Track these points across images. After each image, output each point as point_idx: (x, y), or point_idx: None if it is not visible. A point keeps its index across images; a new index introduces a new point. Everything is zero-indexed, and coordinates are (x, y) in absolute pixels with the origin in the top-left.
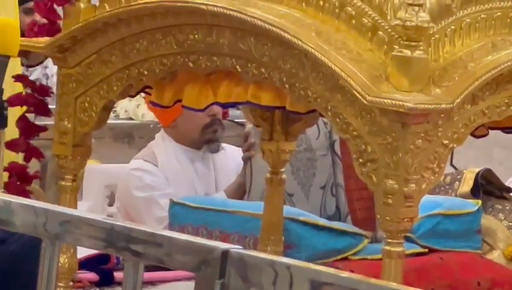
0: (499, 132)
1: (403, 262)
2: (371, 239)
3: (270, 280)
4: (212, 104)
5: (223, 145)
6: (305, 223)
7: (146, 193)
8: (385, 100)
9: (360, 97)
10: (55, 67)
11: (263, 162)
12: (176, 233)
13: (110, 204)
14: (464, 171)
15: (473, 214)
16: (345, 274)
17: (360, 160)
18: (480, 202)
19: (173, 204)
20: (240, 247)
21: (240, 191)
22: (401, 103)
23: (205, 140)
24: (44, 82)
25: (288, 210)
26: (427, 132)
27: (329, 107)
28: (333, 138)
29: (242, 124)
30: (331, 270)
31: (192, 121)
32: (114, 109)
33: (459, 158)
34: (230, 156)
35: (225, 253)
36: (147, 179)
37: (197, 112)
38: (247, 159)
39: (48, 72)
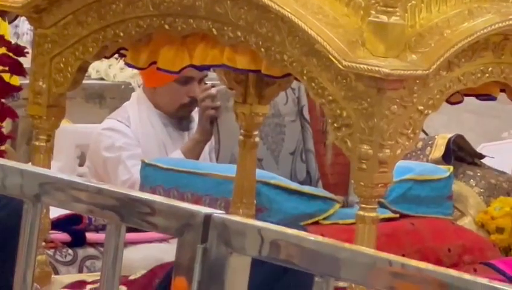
0: (470, 97)
1: (376, 227)
2: (342, 204)
3: (253, 245)
4: (188, 66)
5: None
6: (276, 187)
7: (114, 154)
8: (361, 65)
9: (336, 62)
10: (26, 27)
11: (230, 125)
12: (158, 197)
13: (81, 164)
14: (436, 136)
15: (444, 180)
16: (337, 244)
17: (335, 125)
18: (451, 168)
19: (145, 165)
20: (223, 212)
21: (197, 148)
22: (377, 68)
23: (178, 116)
24: (14, 41)
25: (260, 173)
26: (403, 97)
27: (304, 72)
28: (302, 104)
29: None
30: (320, 238)
31: (172, 96)
32: None
33: (430, 124)
34: None
35: (208, 217)
36: (117, 139)
37: (179, 91)
38: (211, 119)
39: (19, 31)
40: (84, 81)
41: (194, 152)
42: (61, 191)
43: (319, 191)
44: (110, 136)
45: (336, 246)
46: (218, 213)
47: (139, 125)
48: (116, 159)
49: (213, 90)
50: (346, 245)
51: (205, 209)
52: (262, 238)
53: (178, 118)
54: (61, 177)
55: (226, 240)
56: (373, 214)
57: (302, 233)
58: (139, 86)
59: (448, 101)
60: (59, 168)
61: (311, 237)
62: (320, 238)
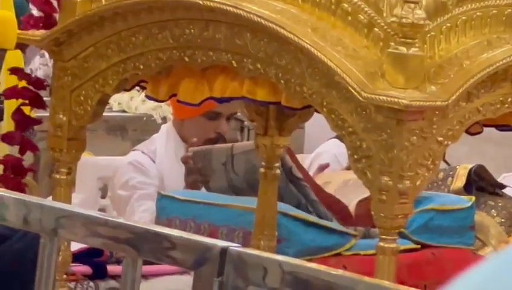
0: (491, 128)
1: (396, 258)
2: (362, 235)
3: (270, 278)
4: (208, 98)
5: None
6: (295, 218)
7: (126, 193)
8: (380, 97)
9: (355, 94)
10: (37, 62)
11: (219, 184)
12: (175, 230)
13: (103, 196)
14: (457, 167)
15: (466, 210)
16: (346, 274)
17: (355, 156)
18: (473, 198)
19: (161, 197)
20: (239, 245)
21: None
22: (396, 99)
23: None
24: (44, 69)
25: (279, 205)
26: (422, 128)
27: (324, 103)
28: (288, 166)
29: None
30: (333, 270)
31: (198, 130)
32: None
33: (452, 154)
34: None
35: (224, 251)
36: (133, 178)
37: (207, 125)
38: (198, 183)
39: (31, 67)
40: (105, 113)
41: None
42: (78, 226)
43: (337, 225)
44: (126, 172)
45: (355, 279)
46: (234, 246)
47: (164, 158)
48: (127, 197)
49: (189, 152)
50: (365, 278)
51: (221, 243)
52: (281, 271)
53: None
54: (78, 211)
55: (242, 273)
56: (393, 245)
57: (322, 266)
58: (161, 118)
59: (467, 132)
60: (81, 200)
61: (331, 270)
62: (340, 271)
